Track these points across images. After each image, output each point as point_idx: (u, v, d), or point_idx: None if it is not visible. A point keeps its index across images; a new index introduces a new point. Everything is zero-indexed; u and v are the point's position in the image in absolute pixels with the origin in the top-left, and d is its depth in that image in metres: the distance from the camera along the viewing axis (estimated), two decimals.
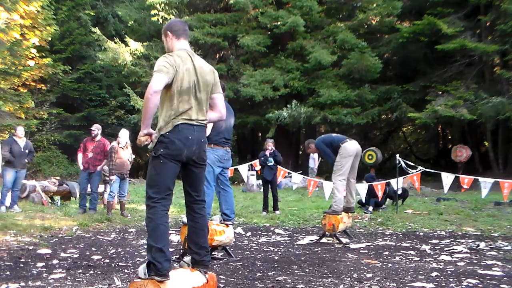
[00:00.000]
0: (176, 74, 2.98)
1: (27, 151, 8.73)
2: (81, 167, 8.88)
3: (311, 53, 17.40)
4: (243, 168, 11.38)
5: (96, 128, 8.94)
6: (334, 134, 6.88)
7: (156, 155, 2.96)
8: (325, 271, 4.29)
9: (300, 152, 22.63)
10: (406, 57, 19.52)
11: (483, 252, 5.31)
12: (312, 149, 6.97)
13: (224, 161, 4.97)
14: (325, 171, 16.61)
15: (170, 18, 18.66)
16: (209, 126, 4.59)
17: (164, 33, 3.25)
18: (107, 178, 8.83)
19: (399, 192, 9.74)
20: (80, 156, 8.93)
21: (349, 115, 17.69)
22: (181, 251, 4.81)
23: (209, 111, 3.24)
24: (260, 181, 12.59)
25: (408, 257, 5.05)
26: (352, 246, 5.84)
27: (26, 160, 8.79)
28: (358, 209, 9.53)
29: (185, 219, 4.58)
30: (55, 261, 4.80)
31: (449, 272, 4.22)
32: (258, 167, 11.23)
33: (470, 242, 5.96)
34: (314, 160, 16.02)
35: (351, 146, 6.24)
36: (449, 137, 26.31)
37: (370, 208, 9.40)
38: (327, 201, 10.16)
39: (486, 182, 9.07)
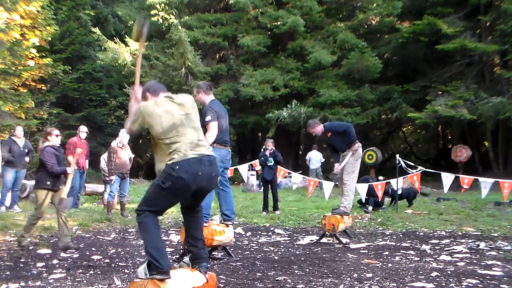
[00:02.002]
0: (150, 118, 3.04)
1: (26, 150, 8.73)
2: (75, 167, 9.07)
3: (311, 53, 17.40)
4: (243, 168, 11.37)
5: (85, 130, 9.32)
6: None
7: (163, 187, 2.93)
8: (325, 271, 4.29)
9: (300, 152, 22.62)
10: (406, 57, 19.52)
11: (483, 252, 5.31)
12: (316, 130, 6.39)
13: (226, 161, 4.97)
14: (324, 171, 16.59)
15: (170, 18, 18.70)
16: (213, 131, 4.62)
17: (143, 97, 3.34)
18: (107, 178, 8.83)
19: (399, 192, 9.73)
20: (70, 157, 9.14)
21: (349, 115, 17.68)
22: (181, 251, 4.81)
23: None
24: (260, 181, 12.58)
25: (408, 257, 5.05)
26: (352, 246, 5.84)
27: (27, 159, 8.83)
28: (358, 209, 9.53)
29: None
30: (55, 261, 4.80)
31: (449, 272, 4.22)
32: (258, 167, 11.22)
33: (470, 242, 5.96)
34: (312, 160, 15.91)
35: (360, 149, 6.38)
36: (449, 137, 26.31)
37: (370, 208, 9.41)
38: (327, 201, 10.17)
39: (486, 182, 9.06)
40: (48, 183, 5.47)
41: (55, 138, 5.78)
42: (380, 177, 10.82)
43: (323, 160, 16.06)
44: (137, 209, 3.03)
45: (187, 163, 2.93)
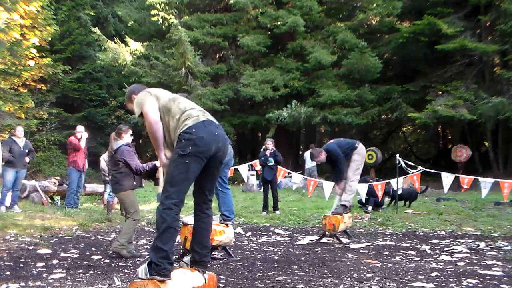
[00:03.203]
0: (155, 93, 3.14)
1: (26, 150, 8.74)
2: (75, 167, 9.18)
3: (311, 53, 17.39)
4: (243, 168, 11.38)
5: (82, 130, 9.41)
6: (341, 139, 6.91)
7: (185, 154, 2.86)
8: (325, 271, 4.29)
9: (300, 152, 22.62)
10: (406, 57, 19.51)
11: (483, 252, 5.31)
12: (321, 158, 6.52)
13: (228, 160, 4.97)
14: (324, 171, 16.59)
15: (170, 18, 18.69)
16: None
17: (128, 98, 3.38)
18: (107, 178, 8.83)
19: (399, 192, 9.73)
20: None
21: (349, 115, 17.68)
22: (181, 251, 4.81)
23: None
24: (260, 181, 12.57)
25: (408, 257, 5.05)
26: (352, 246, 5.85)
27: (28, 159, 8.86)
28: (358, 209, 9.53)
29: (185, 220, 4.59)
30: (55, 261, 4.80)
31: (449, 272, 4.22)
32: (258, 167, 11.22)
33: (470, 242, 5.97)
34: (306, 160, 15.90)
35: (364, 148, 6.62)
36: (449, 137, 26.30)
37: (370, 208, 9.41)
38: (327, 201, 10.16)
39: (486, 182, 9.06)
40: (134, 183, 5.20)
41: (129, 137, 5.44)
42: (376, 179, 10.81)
43: None
44: (164, 198, 2.89)
45: (202, 124, 2.95)
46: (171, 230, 2.89)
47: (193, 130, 2.90)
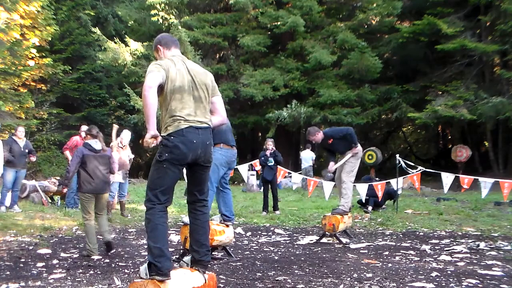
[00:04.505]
0: (168, 73, 3.02)
1: (27, 150, 8.74)
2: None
3: (311, 53, 17.40)
4: (243, 168, 11.37)
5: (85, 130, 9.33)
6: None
7: (161, 160, 2.97)
8: (325, 271, 4.29)
9: (300, 152, 22.62)
10: (406, 57, 19.52)
11: (483, 252, 5.31)
12: (317, 138, 6.40)
13: (231, 162, 4.97)
14: (317, 172, 16.58)
15: (170, 18, 18.69)
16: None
17: (155, 49, 3.29)
18: None
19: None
20: (69, 154, 9.22)
21: (349, 115, 17.69)
22: (181, 251, 4.81)
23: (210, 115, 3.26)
24: (260, 181, 12.57)
25: (408, 257, 5.05)
26: (352, 246, 5.84)
27: (33, 158, 8.93)
28: (358, 209, 9.54)
29: (185, 219, 4.59)
30: (55, 261, 4.80)
31: (449, 272, 4.22)
32: (258, 167, 11.22)
33: (470, 242, 5.96)
34: (302, 160, 15.91)
35: (361, 150, 6.44)
36: (449, 137, 26.32)
37: (370, 208, 9.41)
38: (327, 201, 10.17)
39: (486, 182, 9.06)
40: (84, 186, 5.40)
41: (96, 140, 5.54)
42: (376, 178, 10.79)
43: (314, 158, 16.05)
44: (145, 201, 3.02)
45: (181, 132, 2.99)
46: (159, 227, 2.94)
47: (171, 137, 2.98)
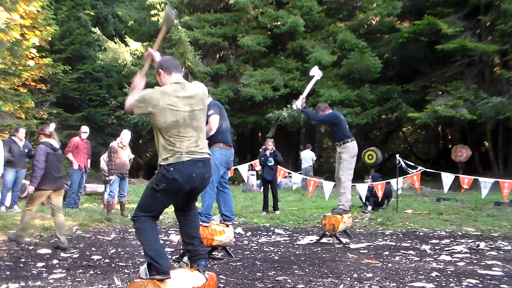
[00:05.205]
0: (155, 110, 2.97)
1: (26, 150, 8.74)
2: (76, 167, 9.16)
3: (311, 53, 17.39)
4: (243, 168, 11.38)
5: (86, 130, 9.53)
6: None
7: (158, 189, 2.98)
8: (325, 271, 4.29)
9: (300, 152, 22.62)
10: (406, 57, 19.51)
11: (483, 252, 5.31)
12: (325, 113, 6.53)
13: (230, 162, 4.98)
14: (324, 171, 16.59)
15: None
16: (214, 124, 4.61)
17: (156, 72, 3.26)
18: (106, 178, 8.84)
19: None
20: (71, 156, 9.29)
21: (349, 115, 17.66)
22: (181, 251, 4.81)
23: None
24: (260, 181, 12.57)
25: (408, 257, 5.05)
26: (352, 246, 5.84)
27: (33, 154, 8.95)
28: (358, 209, 9.53)
29: None
30: (55, 261, 4.80)
31: (449, 272, 4.22)
32: (258, 167, 11.22)
33: (470, 242, 5.96)
34: (302, 160, 15.92)
35: (354, 147, 6.38)
36: (449, 137, 26.30)
37: (369, 208, 9.42)
38: (327, 201, 10.16)
39: (486, 182, 9.06)
40: (45, 185, 5.66)
41: (52, 139, 5.86)
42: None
43: (314, 158, 16.04)
44: (133, 216, 3.07)
45: (182, 165, 2.97)
46: (148, 232, 2.99)
47: (171, 169, 2.96)
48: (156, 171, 3.08)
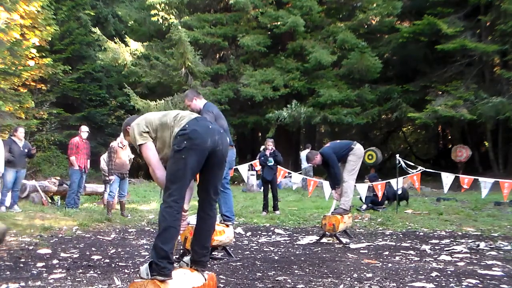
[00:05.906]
0: (151, 127, 3.13)
1: (26, 150, 8.75)
2: (76, 167, 9.18)
3: (311, 53, 17.40)
4: (243, 168, 11.38)
5: (86, 130, 9.62)
6: (338, 141, 6.86)
7: (180, 149, 2.89)
8: (325, 271, 4.29)
9: (300, 152, 22.63)
10: (406, 57, 19.53)
11: (483, 252, 5.31)
12: (317, 161, 6.49)
13: (232, 161, 5.01)
14: (322, 171, 16.56)
15: (170, 18, 18.70)
16: None
17: (124, 131, 3.41)
18: (106, 178, 8.84)
19: (399, 192, 9.74)
20: (73, 157, 9.33)
21: (349, 115, 17.69)
22: (181, 251, 4.81)
23: None
24: (260, 181, 12.57)
25: (408, 257, 5.05)
26: (352, 246, 5.84)
27: (34, 151, 9.01)
28: (357, 209, 9.54)
29: (192, 220, 4.58)
30: (55, 261, 4.80)
31: (449, 272, 4.22)
32: (258, 167, 11.22)
33: (470, 242, 5.96)
34: (302, 160, 15.91)
35: (361, 148, 6.47)
36: (449, 137, 26.31)
37: (364, 207, 9.45)
38: (327, 201, 10.16)
39: (486, 182, 9.06)
40: None
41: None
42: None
43: None
44: (164, 197, 2.92)
45: (195, 120, 3.02)
46: (171, 230, 2.88)
47: (187, 126, 2.96)
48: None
